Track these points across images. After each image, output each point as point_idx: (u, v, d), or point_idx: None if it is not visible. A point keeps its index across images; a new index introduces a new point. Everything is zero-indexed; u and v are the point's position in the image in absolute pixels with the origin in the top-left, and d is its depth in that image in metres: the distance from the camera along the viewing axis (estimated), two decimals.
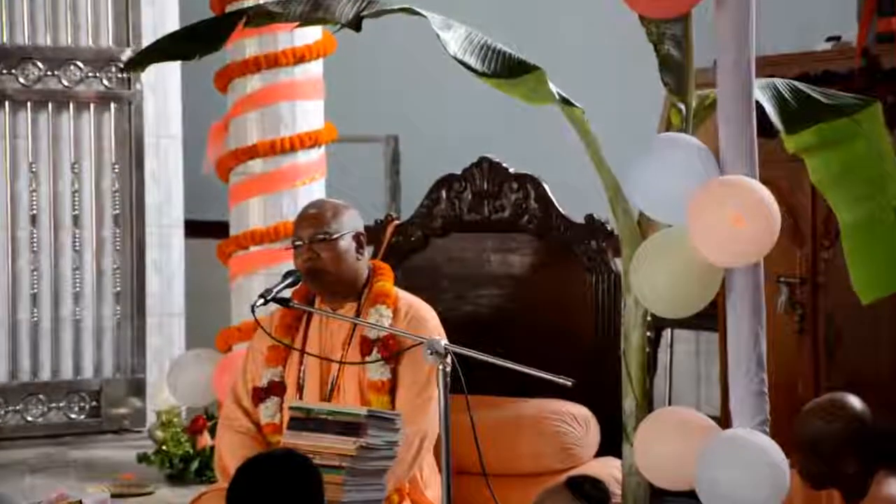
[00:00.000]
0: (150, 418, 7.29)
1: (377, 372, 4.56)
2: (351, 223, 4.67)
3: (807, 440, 3.94)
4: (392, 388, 4.57)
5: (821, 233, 5.31)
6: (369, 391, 4.57)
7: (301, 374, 4.66)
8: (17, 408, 7.41)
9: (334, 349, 4.65)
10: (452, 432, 3.87)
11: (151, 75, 7.40)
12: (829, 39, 5.52)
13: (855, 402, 3.99)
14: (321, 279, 4.62)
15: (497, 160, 5.42)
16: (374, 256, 5.28)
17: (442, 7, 4.32)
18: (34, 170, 7.46)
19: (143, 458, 6.73)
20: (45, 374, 7.50)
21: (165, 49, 4.55)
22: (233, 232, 6.48)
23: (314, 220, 4.65)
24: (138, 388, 7.62)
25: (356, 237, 4.68)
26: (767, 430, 3.96)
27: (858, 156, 4.13)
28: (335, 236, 4.62)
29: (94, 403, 7.56)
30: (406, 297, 4.72)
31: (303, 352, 4.65)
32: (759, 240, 3.85)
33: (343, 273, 4.64)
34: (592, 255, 5.20)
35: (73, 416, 7.52)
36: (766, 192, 3.86)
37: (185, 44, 4.42)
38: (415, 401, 4.52)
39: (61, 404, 7.50)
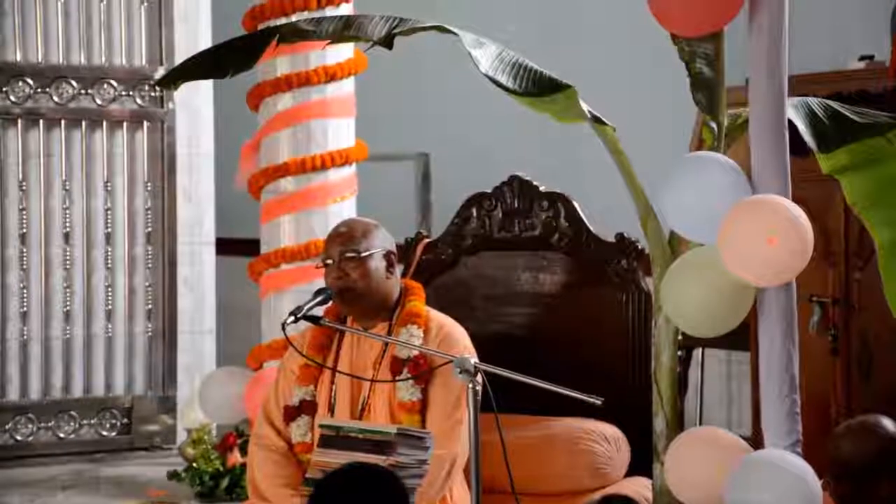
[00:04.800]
0: (181, 435, 7.30)
1: (408, 392, 4.55)
2: (381, 241, 4.67)
3: (839, 462, 3.90)
4: (423, 409, 4.55)
5: (853, 252, 5.28)
6: (400, 411, 4.55)
7: (332, 394, 4.65)
8: (49, 424, 7.44)
9: (365, 368, 4.64)
10: (483, 451, 3.86)
11: (183, 93, 7.41)
12: (862, 58, 5.50)
13: (888, 423, 3.95)
14: (351, 298, 4.61)
15: (527, 178, 5.40)
16: (403, 275, 5.28)
17: (473, 25, 4.32)
18: (67, 188, 7.50)
19: (173, 476, 6.74)
20: (77, 391, 7.53)
21: (198, 67, 4.54)
22: (264, 250, 6.49)
23: (344, 239, 4.65)
24: (169, 406, 7.63)
25: (386, 256, 4.67)
26: (800, 451, 3.93)
27: (893, 175, 4.10)
28: (364, 254, 4.61)
29: (125, 420, 7.58)
30: (437, 317, 4.71)
31: (335, 371, 4.64)
32: (792, 259, 3.82)
33: (373, 291, 4.63)
34: (623, 273, 5.18)
35: (104, 432, 7.54)
36: (799, 212, 3.83)
37: (218, 62, 4.41)
38: (445, 423, 4.50)
39: (93, 421, 7.52)
